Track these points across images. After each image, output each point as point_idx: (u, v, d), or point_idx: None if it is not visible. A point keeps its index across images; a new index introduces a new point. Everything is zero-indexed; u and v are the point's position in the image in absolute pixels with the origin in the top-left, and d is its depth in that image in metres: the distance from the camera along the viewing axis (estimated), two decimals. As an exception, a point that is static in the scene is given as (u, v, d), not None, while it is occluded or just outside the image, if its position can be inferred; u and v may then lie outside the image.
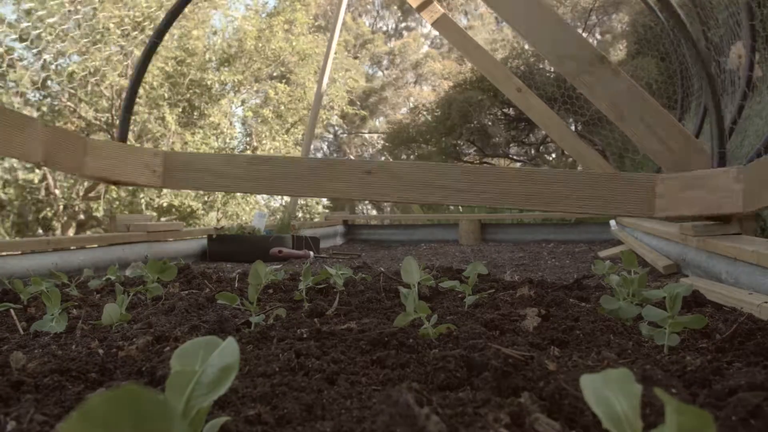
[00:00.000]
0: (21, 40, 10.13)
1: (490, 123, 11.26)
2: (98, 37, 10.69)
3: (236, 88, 12.10)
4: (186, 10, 11.82)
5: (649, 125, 2.13)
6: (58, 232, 9.42)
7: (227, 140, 13.62)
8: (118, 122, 2.91)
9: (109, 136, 12.04)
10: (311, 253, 3.16)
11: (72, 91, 9.96)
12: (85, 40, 10.70)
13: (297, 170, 2.11)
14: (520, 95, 3.91)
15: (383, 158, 20.33)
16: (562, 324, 1.04)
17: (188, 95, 12.45)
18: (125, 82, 11.04)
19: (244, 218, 12.29)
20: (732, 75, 3.15)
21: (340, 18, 4.93)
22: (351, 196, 2.07)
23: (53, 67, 9.38)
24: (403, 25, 23.23)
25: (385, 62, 21.50)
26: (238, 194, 13.59)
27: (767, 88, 3.21)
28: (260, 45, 11.56)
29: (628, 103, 2.16)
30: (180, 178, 2.46)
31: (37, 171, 10.68)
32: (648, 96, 2.19)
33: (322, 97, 5.45)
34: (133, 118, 12.98)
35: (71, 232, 7.99)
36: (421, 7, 4.04)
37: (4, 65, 9.11)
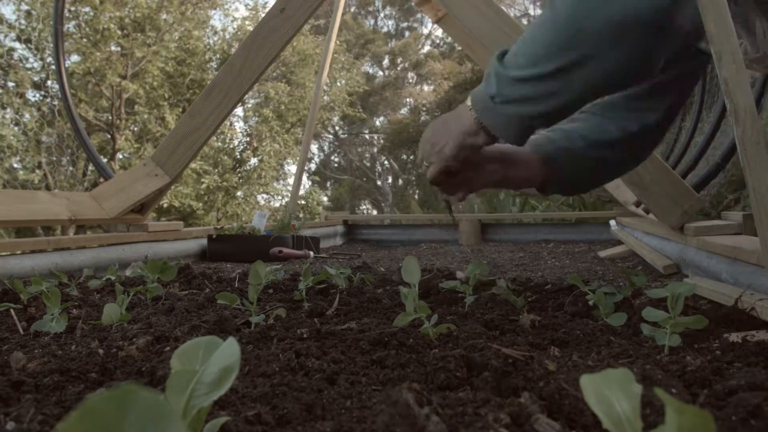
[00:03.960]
0: (21, 40, 10.12)
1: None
2: (98, 37, 10.69)
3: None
4: (186, 10, 11.82)
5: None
6: (58, 232, 9.41)
7: (227, 140, 13.63)
8: (95, 168, 3.02)
9: (109, 136, 12.05)
10: (311, 253, 3.15)
11: (72, 91, 9.94)
12: (85, 40, 10.69)
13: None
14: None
15: (383, 158, 20.33)
16: (562, 324, 1.04)
17: (188, 95, 12.45)
18: (125, 83, 11.05)
19: (244, 218, 12.28)
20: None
21: (337, 20, 4.91)
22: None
23: (53, 67, 9.39)
24: (405, 25, 23.24)
25: (385, 62, 21.51)
26: (239, 194, 13.61)
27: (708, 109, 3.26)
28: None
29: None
30: (176, 160, 2.52)
31: (37, 171, 10.68)
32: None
33: (320, 98, 5.44)
34: (133, 118, 12.94)
35: (71, 232, 8.00)
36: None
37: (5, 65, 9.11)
